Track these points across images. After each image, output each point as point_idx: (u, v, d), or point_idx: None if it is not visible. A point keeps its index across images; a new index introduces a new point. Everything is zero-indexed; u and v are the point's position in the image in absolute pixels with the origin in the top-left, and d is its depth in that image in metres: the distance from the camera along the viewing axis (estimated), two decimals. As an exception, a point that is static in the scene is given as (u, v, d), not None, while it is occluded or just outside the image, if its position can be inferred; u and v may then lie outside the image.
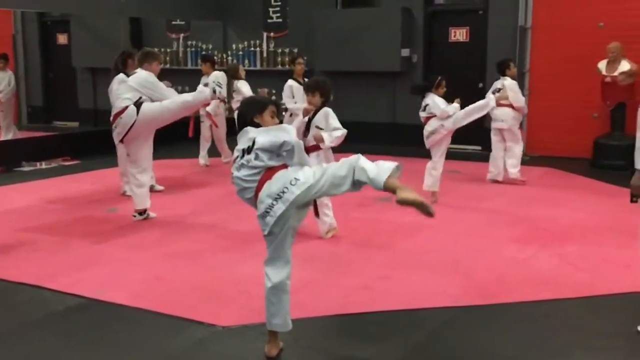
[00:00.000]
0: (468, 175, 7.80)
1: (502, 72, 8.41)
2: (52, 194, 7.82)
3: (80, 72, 14.46)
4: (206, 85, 9.57)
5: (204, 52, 12.42)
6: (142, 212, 6.58)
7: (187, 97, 6.78)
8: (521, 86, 10.32)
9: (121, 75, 7.64)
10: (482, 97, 10.18)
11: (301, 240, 5.90)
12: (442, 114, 7.26)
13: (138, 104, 6.44)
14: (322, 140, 5.59)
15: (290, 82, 8.90)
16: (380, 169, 3.28)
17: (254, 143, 3.51)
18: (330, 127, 5.61)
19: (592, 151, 9.51)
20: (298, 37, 12.12)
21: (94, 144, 10.48)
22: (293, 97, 8.73)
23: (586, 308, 4.39)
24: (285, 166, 3.52)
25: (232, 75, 8.82)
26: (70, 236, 6.08)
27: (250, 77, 10.74)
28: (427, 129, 7.36)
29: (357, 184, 3.34)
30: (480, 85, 10.65)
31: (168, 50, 13.57)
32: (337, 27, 11.38)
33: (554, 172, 8.10)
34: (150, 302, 4.48)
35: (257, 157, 3.49)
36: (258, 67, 12.53)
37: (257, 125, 3.62)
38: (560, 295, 4.57)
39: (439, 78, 7.46)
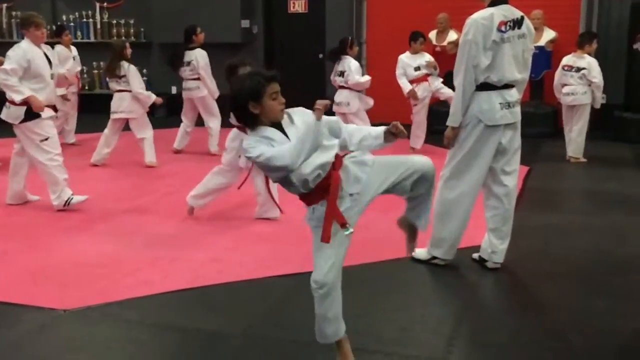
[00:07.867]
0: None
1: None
2: None
3: None
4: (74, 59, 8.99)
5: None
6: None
7: None
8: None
9: None
10: (322, 68, 10.41)
11: (150, 218, 5.78)
12: (356, 85, 7.13)
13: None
14: None
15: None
16: None
17: None
18: None
19: (429, 118, 9.97)
20: (133, 8, 11.68)
21: None
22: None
23: (426, 265, 4.63)
24: None
25: (119, 54, 7.61)
26: None
27: (84, 49, 10.26)
28: (338, 98, 7.17)
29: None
30: (320, 56, 10.82)
31: (-10, 21, 12.63)
32: (174, -2, 11.09)
33: (393, 140, 8.44)
34: (-18, 291, 4.19)
35: None
36: (92, 39, 11.96)
37: (256, 119, 2.87)
38: (401, 255, 4.78)
39: (350, 38, 7.30)
